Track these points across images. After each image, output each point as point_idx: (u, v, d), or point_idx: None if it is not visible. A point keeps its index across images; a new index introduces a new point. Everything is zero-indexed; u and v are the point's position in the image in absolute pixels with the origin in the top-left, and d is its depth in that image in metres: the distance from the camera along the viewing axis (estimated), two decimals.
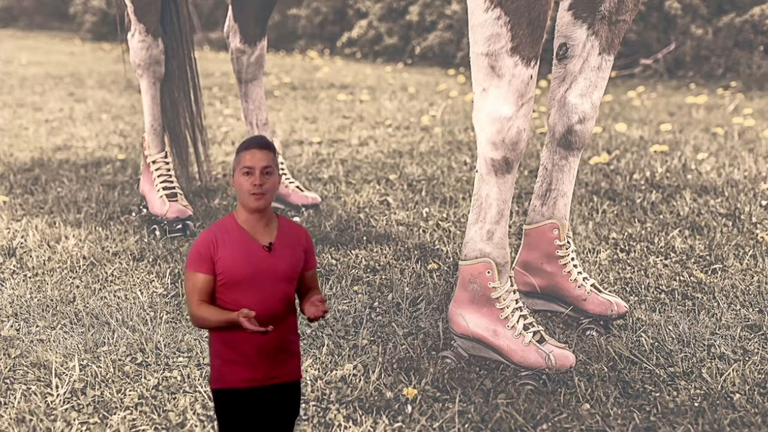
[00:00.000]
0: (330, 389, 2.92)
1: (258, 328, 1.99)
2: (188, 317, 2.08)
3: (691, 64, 10.52)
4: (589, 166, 5.75)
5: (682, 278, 3.90)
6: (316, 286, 2.19)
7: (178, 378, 2.99)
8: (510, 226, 4.35)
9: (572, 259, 3.41)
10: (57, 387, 2.91)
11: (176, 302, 3.65)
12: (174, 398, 2.85)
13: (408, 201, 5.08)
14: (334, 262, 4.09)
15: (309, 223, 4.62)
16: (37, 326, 3.41)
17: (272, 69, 11.68)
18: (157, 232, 4.48)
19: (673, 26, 10.53)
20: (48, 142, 6.82)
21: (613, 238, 4.38)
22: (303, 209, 4.85)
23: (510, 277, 3.09)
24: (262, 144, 2.09)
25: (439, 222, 4.68)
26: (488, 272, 3.04)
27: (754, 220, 4.64)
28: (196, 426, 2.71)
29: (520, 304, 3.08)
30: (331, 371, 3.05)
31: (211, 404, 2.82)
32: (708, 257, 4.13)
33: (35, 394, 2.89)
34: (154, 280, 3.87)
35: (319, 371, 3.05)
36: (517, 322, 3.03)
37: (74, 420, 2.74)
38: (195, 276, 2.07)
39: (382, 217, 4.76)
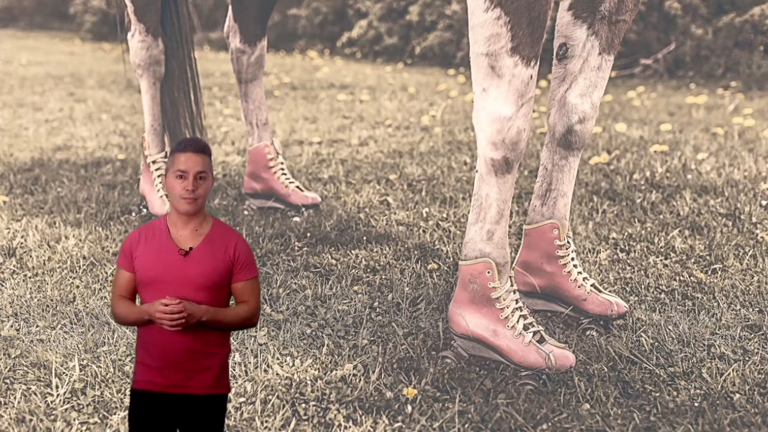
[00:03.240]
0: (330, 389, 2.92)
1: (174, 318, 1.98)
2: (112, 314, 2.12)
3: (691, 64, 10.52)
4: (589, 166, 5.75)
5: (682, 278, 3.90)
6: (250, 298, 2.11)
7: None
8: (510, 226, 4.35)
9: (572, 259, 3.41)
10: (57, 387, 2.91)
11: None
12: None
13: (408, 201, 5.08)
14: (334, 262, 4.09)
15: (309, 223, 4.62)
16: (37, 326, 3.41)
17: (272, 69, 11.68)
18: None
19: (673, 26, 10.53)
20: (48, 142, 6.82)
21: (613, 238, 4.38)
22: (303, 209, 4.85)
23: (510, 277, 3.09)
24: (198, 147, 2.07)
25: (439, 222, 4.68)
26: (488, 272, 3.03)
27: (754, 220, 4.64)
28: None
29: (520, 304, 3.08)
30: (331, 371, 3.05)
31: None
32: (708, 257, 4.13)
33: (35, 394, 2.89)
34: None
35: (319, 371, 3.05)
36: (517, 322, 3.03)
37: (74, 420, 2.74)
38: (118, 272, 2.10)
39: (382, 217, 4.76)
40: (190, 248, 2.07)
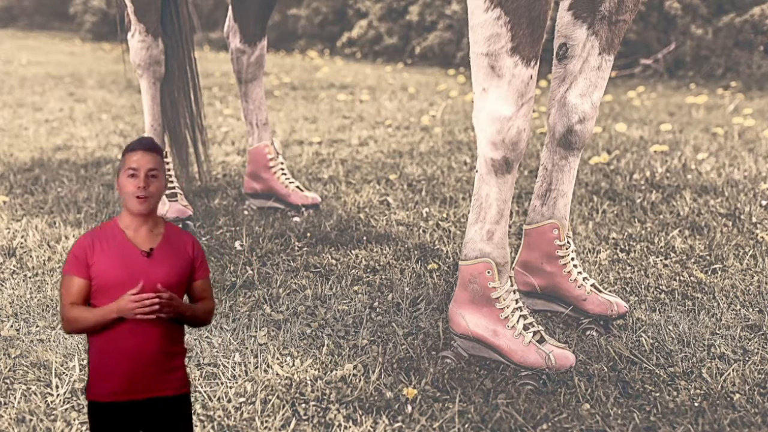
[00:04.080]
0: (330, 389, 2.92)
1: (147, 304, 1.93)
2: (63, 322, 2.02)
3: (691, 64, 10.52)
4: (589, 166, 5.75)
5: (682, 278, 3.90)
6: (208, 296, 2.11)
7: None
8: (510, 226, 4.35)
9: (572, 259, 3.41)
10: (57, 387, 2.91)
11: None
12: None
13: (408, 201, 5.08)
14: (334, 262, 4.09)
15: (309, 223, 4.62)
16: (37, 326, 3.41)
17: (272, 69, 11.68)
18: None
19: (673, 26, 10.53)
20: (48, 142, 6.82)
21: (613, 238, 4.38)
22: (303, 209, 4.85)
23: (510, 277, 3.09)
24: (148, 146, 2.05)
25: (439, 222, 4.68)
26: (488, 272, 3.04)
27: (754, 220, 4.64)
28: (196, 426, 2.71)
29: (520, 304, 3.08)
30: (331, 371, 3.05)
31: (212, 404, 2.83)
32: (708, 257, 4.13)
33: (35, 394, 2.89)
34: None
35: (319, 371, 3.05)
36: (517, 322, 3.03)
37: (74, 420, 2.74)
38: (70, 280, 2.01)
39: (382, 217, 4.76)
40: (151, 249, 2.04)
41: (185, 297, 2.12)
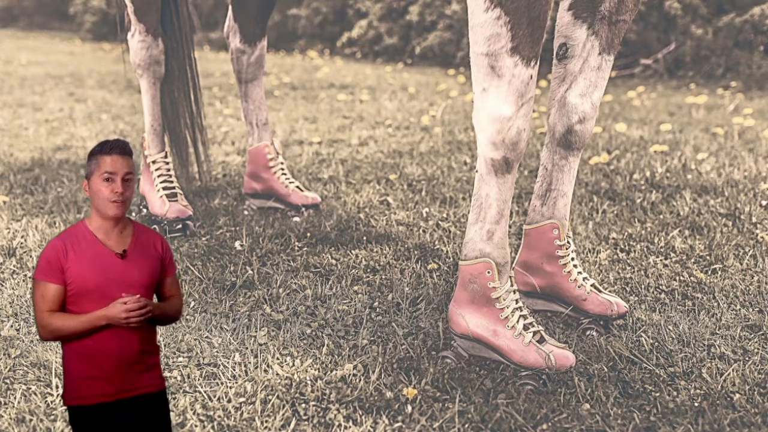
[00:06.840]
0: (330, 389, 2.92)
1: (142, 312, 1.95)
2: (42, 330, 2.01)
3: (691, 64, 10.52)
4: (589, 166, 5.75)
5: (682, 278, 3.90)
6: (177, 293, 2.13)
7: (178, 378, 3.00)
8: (510, 226, 4.35)
9: (572, 259, 3.41)
10: (57, 387, 2.91)
11: None
12: (174, 398, 2.86)
13: (408, 201, 5.08)
14: (334, 262, 4.09)
15: (309, 223, 4.62)
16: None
17: (272, 69, 11.68)
18: None
19: (673, 26, 10.53)
20: (48, 142, 6.82)
21: (613, 238, 4.38)
22: (303, 209, 4.85)
23: (510, 277, 3.09)
24: (124, 149, 2.05)
25: (439, 222, 4.68)
26: (488, 272, 3.04)
27: (754, 220, 4.64)
28: (196, 426, 2.71)
29: (520, 304, 3.08)
30: (331, 371, 3.05)
31: (212, 404, 2.82)
32: (708, 257, 4.13)
33: (35, 394, 2.89)
34: None
35: (319, 371, 3.05)
36: (517, 322, 3.03)
37: None
38: (45, 286, 2.00)
39: (382, 217, 4.76)
40: (125, 251, 2.05)
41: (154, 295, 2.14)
